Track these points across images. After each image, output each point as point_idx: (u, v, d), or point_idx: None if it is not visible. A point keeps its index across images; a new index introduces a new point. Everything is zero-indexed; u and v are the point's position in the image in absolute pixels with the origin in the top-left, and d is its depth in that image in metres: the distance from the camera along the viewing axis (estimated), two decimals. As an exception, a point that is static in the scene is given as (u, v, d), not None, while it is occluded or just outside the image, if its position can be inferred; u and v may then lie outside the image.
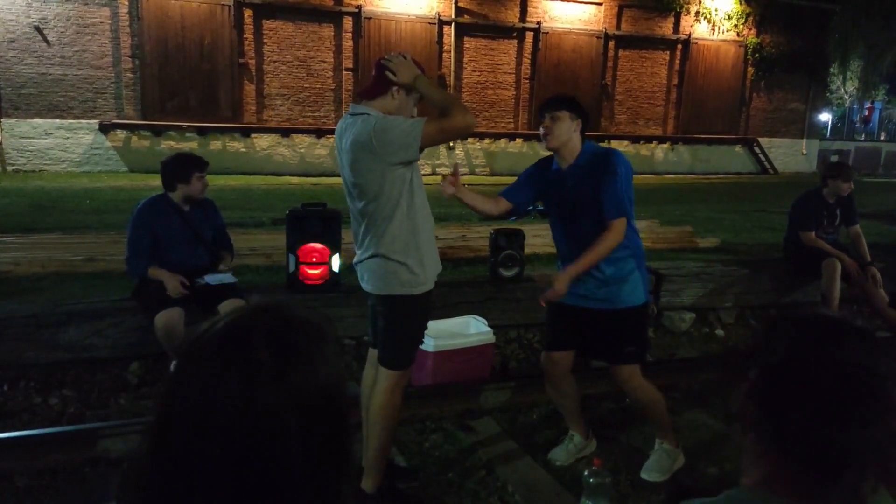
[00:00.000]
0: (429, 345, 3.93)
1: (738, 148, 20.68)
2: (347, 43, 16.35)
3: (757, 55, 20.24)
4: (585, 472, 2.61)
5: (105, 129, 14.50)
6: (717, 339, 5.41)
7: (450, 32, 17.15)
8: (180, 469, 0.69)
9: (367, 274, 2.82)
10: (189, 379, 0.71)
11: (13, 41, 13.86)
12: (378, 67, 2.73)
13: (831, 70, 24.58)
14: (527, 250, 5.23)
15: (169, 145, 14.39)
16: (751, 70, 20.40)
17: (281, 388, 0.70)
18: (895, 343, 4.95)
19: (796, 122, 21.43)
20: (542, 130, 3.04)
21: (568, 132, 3.00)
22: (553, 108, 3.02)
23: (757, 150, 20.82)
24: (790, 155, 21.43)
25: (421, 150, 2.63)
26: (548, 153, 3.16)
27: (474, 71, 17.74)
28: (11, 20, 13.80)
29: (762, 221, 9.08)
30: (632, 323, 3.11)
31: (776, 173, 20.60)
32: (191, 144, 14.50)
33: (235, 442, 0.68)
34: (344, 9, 16.22)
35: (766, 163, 20.88)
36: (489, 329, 4.22)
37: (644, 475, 3.17)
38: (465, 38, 17.48)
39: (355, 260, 2.90)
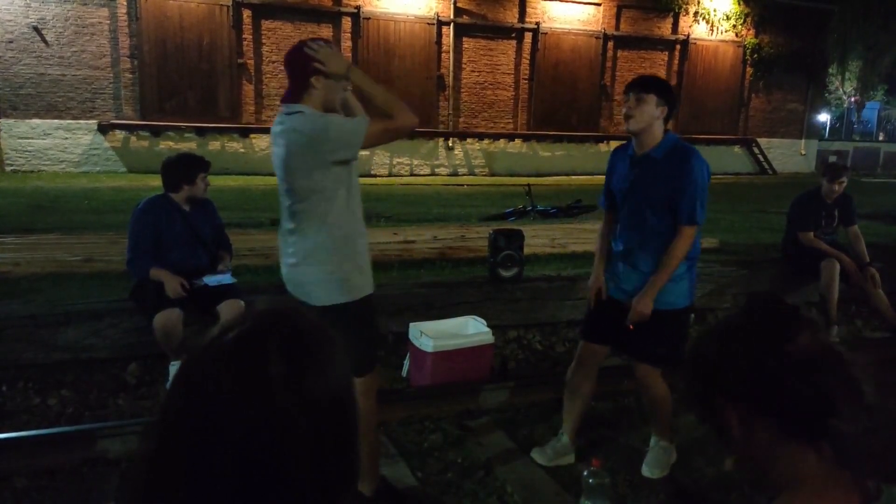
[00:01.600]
0: (428, 345, 3.93)
1: (736, 148, 20.69)
2: (346, 43, 16.34)
3: (755, 55, 20.26)
4: (585, 473, 2.61)
5: (104, 129, 14.49)
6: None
7: (449, 33, 17.14)
8: (185, 475, 0.68)
9: (303, 285, 2.65)
10: (200, 388, 0.70)
11: (11, 41, 13.84)
12: (288, 64, 2.56)
13: (830, 70, 24.61)
14: (526, 251, 5.23)
15: (168, 146, 14.38)
16: (749, 70, 20.42)
17: (294, 396, 0.70)
18: (895, 343, 4.95)
19: (795, 122, 21.45)
20: (624, 110, 2.89)
21: (651, 117, 2.84)
22: (640, 88, 2.85)
23: (755, 150, 20.84)
24: (789, 155, 21.45)
25: (362, 148, 2.55)
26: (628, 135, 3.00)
27: (473, 71, 17.73)
28: (10, 20, 13.79)
29: (761, 222, 9.08)
30: (670, 326, 3.01)
31: (775, 174, 20.62)
32: (189, 145, 14.49)
33: (245, 449, 0.68)
34: (343, 9, 16.22)
35: (764, 163, 20.89)
36: (488, 329, 4.21)
37: (646, 472, 3.17)
38: (464, 39, 17.48)
39: (284, 270, 2.72)
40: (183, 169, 3.96)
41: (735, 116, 20.57)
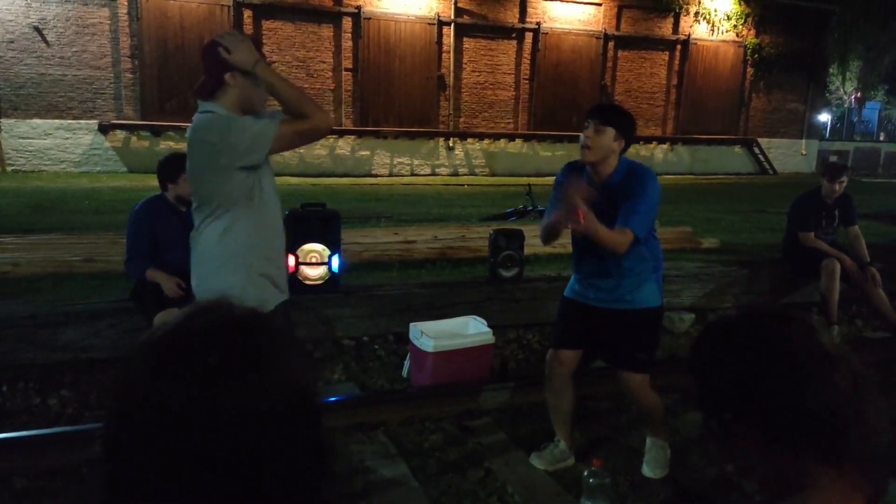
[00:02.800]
0: (428, 345, 3.92)
1: (737, 148, 20.69)
2: (347, 43, 16.35)
3: (756, 56, 20.27)
4: (585, 473, 2.60)
5: (104, 129, 14.50)
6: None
7: (449, 33, 17.15)
8: (135, 478, 0.67)
9: (197, 295, 2.52)
10: (137, 388, 0.68)
11: (12, 41, 13.85)
12: (204, 57, 2.42)
13: (830, 70, 24.61)
14: (526, 251, 5.22)
15: (168, 146, 14.38)
16: (750, 70, 20.43)
17: (238, 388, 0.68)
18: (895, 343, 4.95)
19: (795, 122, 21.45)
20: (582, 139, 2.90)
21: (608, 149, 2.87)
22: (600, 119, 2.86)
23: (756, 150, 20.83)
24: (789, 155, 21.45)
25: (271, 153, 2.38)
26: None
27: (474, 71, 17.73)
28: (10, 20, 13.80)
29: (761, 222, 9.08)
30: (644, 326, 3.04)
31: (775, 174, 20.61)
32: (190, 145, 14.48)
33: (193, 448, 0.66)
34: (343, 9, 16.22)
35: (765, 163, 20.89)
36: (489, 329, 4.21)
37: (647, 473, 3.17)
38: (465, 39, 17.48)
39: (194, 284, 2.54)
40: (167, 168, 3.94)
41: (735, 116, 20.57)
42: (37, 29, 13.98)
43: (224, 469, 0.66)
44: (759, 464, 1.00)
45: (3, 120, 13.87)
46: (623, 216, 2.85)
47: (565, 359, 3.20)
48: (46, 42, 14.06)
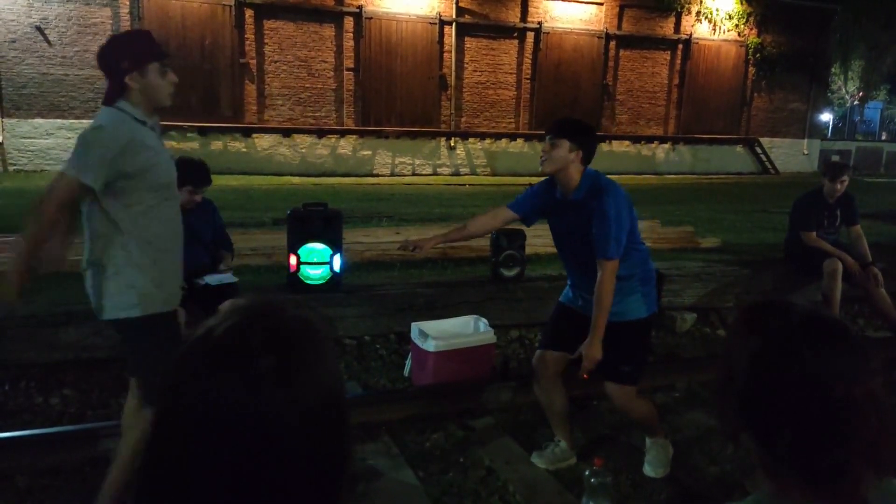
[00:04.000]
0: (430, 345, 3.93)
1: (739, 148, 20.68)
2: (348, 43, 16.36)
3: (758, 55, 20.26)
4: (587, 472, 2.60)
5: (106, 129, 14.51)
6: (719, 339, 5.40)
7: (451, 32, 17.15)
8: (178, 476, 0.68)
9: (90, 290, 2.46)
10: (189, 388, 0.70)
11: (14, 41, 13.88)
12: (100, 63, 2.41)
13: (833, 70, 24.58)
14: (528, 250, 5.22)
15: (170, 145, 14.31)
16: (752, 70, 20.42)
17: (285, 392, 0.69)
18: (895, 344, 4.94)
19: (797, 122, 21.44)
20: (542, 153, 2.98)
21: (564, 160, 2.92)
22: (554, 133, 2.94)
23: (758, 150, 20.83)
24: (791, 155, 21.44)
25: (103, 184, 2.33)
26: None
27: (475, 71, 17.74)
28: (13, 20, 13.82)
29: (763, 221, 9.08)
30: (629, 339, 3.02)
31: (777, 173, 20.60)
32: (192, 144, 14.51)
33: (238, 448, 0.68)
34: (345, 9, 16.23)
35: (767, 163, 20.88)
36: (490, 329, 4.21)
37: (649, 472, 3.17)
38: (466, 38, 17.49)
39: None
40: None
41: (737, 116, 20.57)
42: (39, 29, 14.00)
43: (267, 467, 0.68)
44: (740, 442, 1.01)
45: (5, 120, 13.89)
46: (597, 247, 2.89)
47: (550, 359, 3.22)
48: (48, 42, 14.09)
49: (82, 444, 3.17)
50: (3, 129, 13.91)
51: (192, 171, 3.95)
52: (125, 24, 14.54)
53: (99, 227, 2.42)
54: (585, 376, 2.96)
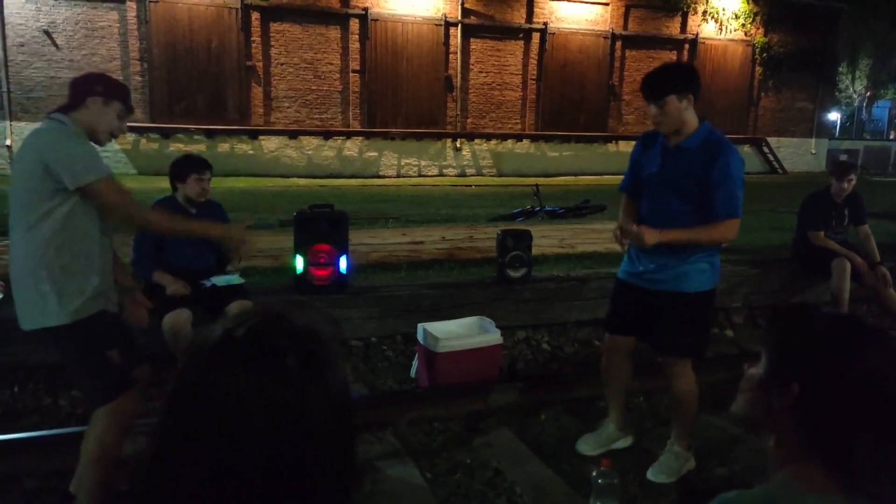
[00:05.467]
0: (436, 346, 3.92)
1: (746, 147, 20.61)
2: (354, 45, 16.39)
3: (765, 54, 20.19)
4: (594, 473, 2.59)
5: (114, 131, 14.58)
6: (727, 339, 5.38)
7: (456, 34, 17.16)
8: (200, 473, 0.69)
9: (34, 298, 2.42)
10: (214, 386, 0.71)
11: (23, 45, 13.96)
12: (72, 84, 2.52)
13: (840, 69, 24.47)
14: (534, 251, 5.21)
15: (177, 148, 14.46)
16: (759, 69, 20.35)
17: (313, 386, 0.73)
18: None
19: (805, 121, 21.35)
20: (652, 118, 2.85)
21: (678, 114, 2.81)
22: (656, 96, 2.79)
23: (765, 149, 20.75)
24: (799, 154, 21.35)
25: (83, 191, 2.36)
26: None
27: (481, 72, 17.74)
28: (21, 24, 13.91)
29: (771, 221, 9.03)
30: (691, 310, 2.95)
31: (785, 173, 20.52)
32: (199, 147, 14.56)
33: (269, 440, 0.70)
34: (351, 11, 16.26)
35: (774, 162, 20.80)
36: (497, 330, 4.20)
37: (651, 476, 3.14)
38: (472, 40, 17.49)
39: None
40: (177, 168, 3.97)
41: (744, 115, 20.49)
42: (46, 32, 14.08)
43: (295, 458, 0.71)
44: (779, 432, 1.05)
45: (13, 123, 13.97)
46: (722, 204, 2.81)
47: (620, 343, 3.24)
48: (56, 45, 14.17)
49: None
50: (11, 133, 13.98)
51: (187, 162, 4.02)
52: (132, 28, 14.61)
53: (51, 231, 2.41)
54: (622, 245, 2.95)
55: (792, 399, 1.01)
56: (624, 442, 3.38)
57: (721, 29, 19.89)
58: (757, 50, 20.19)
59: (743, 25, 20.02)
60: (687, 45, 19.54)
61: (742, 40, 20.14)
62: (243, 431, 0.69)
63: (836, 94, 28.18)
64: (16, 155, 2.48)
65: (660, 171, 2.96)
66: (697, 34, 19.55)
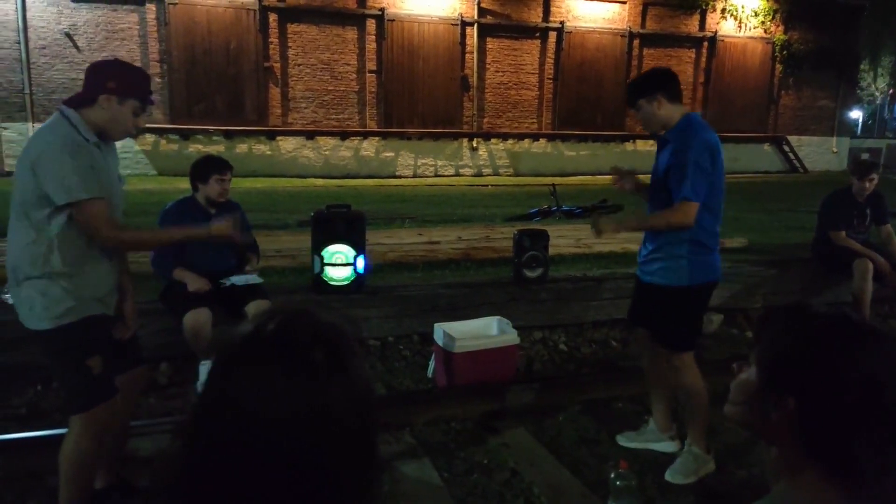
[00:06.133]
0: (453, 345, 3.93)
1: (766, 146, 20.39)
2: (371, 45, 16.43)
3: (785, 52, 19.95)
4: (612, 475, 2.59)
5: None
6: (746, 340, 5.33)
7: (472, 33, 17.14)
8: (227, 466, 0.71)
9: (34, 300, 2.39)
10: (246, 381, 0.73)
11: (45, 47, 14.16)
12: (87, 71, 2.45)
13: (862, 67, 24.12)
14: (551, 251, 5.20)
15: (196, 148, 14.59)
16: (779, 67, 20.12)
17: (339, 380, 0.74)
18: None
19: (826, 119, 21.07)
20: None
21: (653, 115, 3.01)
22: (631, 104, 3.05)
23: (786, 148, 20.52)
24: (820, 153, 21.08)
25: (70, 206, 2.30)
26: None
27: (497, 71, 17.71)
28: (43, 27, 14.11)
29: (791, 221, 8.94)
30: (668, 304, 3.05)
31: (806, 172, 20.28)
32: (217, 147, 14.68)
33: (294, 436, 0.71)
34: (367, 11, 16.30)
35: (795, 161, 20.56)
36: (513, 330, 4.20)
37: (668, 477, 3.13)
38: (488, 39, 17.47)
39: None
40: (199, 169, 4.01)
41: (764, 114, 20.27)
42: (68, 35, 14.27)
43: (312, 454, 0.72)
44: (778, 442, 1.03)
45: (35, 124, 14.16)
46: (674, 187, 2.91)
47: (641, 335, 3.34)
48: (77, 48, 14.34)
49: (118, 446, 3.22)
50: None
51: (209, 162, 4.05)
52: (152, 30, 14.76)
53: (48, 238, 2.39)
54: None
55: (788, 411, 0.98)
56: (666, 446, 3.34)
57: (740, 26, 19.70)
58: (777, 47, 19.97)
59: (762, 23, 19.81)
60: (706, 43, 19.37)
61: (762, 38, 19.92)
62: (271, 423, 0.70)
63: (858, 91, 27.79)
64: (20, 155, 2.43)
65: (653, 168, 3.15)
66: (716, 32, 19.37)
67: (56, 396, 3.82)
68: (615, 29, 18.41)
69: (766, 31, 19.90)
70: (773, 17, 19.83)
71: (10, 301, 2.52)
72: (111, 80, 2.40)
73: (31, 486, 2.98)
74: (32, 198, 2.34)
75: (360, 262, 4.62)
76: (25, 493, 2.96)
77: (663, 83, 3.01)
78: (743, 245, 6.88)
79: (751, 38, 19.80)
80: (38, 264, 2.38)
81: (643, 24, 18.66)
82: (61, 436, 3.22)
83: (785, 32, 19.99)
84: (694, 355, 3.15)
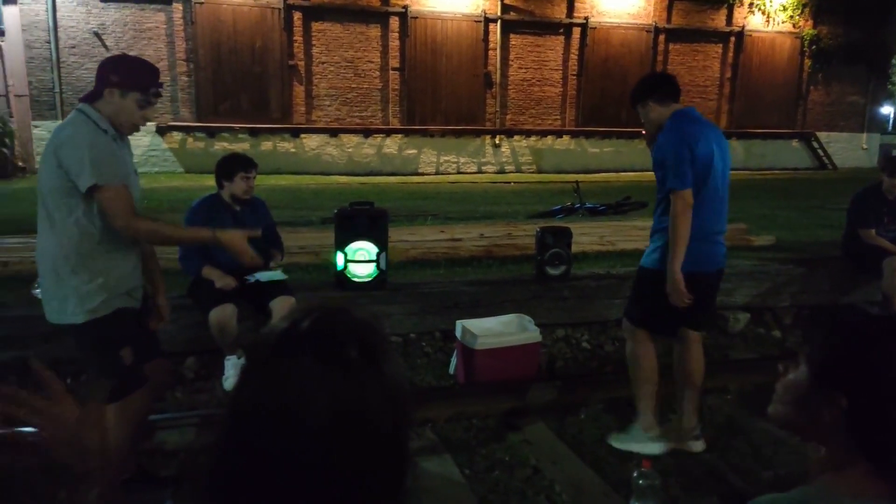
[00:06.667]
0: (474, 343, 3.93)
1: (794, 142, 20.06)
2: (394, 43, 16.46)
3: (814, 47, 19.60)
4: (635, 474, 2.57)
5: (162, 131, 14.94)
6: (774, 340, 5.26)
7: (496, 30, 17.09)
8: (260, 462, 0.71)
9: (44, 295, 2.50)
10: (281, 376, 0.74)
11: (74, 47, 14.39)
12: (99, 66, 2.53)
13: (893, 61, 23.58)
14: (574, 248, 5.18)
15: (222, 146, 14.74)
16: (808, 62, 19.77)
17: (367, 382, 0.75)
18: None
19: (856, 115, 20.67)
20: None
21: (648, 119, 3.20)
22: (633, 107, 3.22)
23: (815, 144, 20.17)
24: (850, 149, 20.69)
25: (90, 191, 2.37)
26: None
27: (521, 68, 17.64)
28: (72, 27, 14.35)
29: (819, 218, 8.80)
30: (641, 282, 3.31)
31: (835, 168, 19.91)
32: (243, 145, 14.82)
33: (330, 430, 0.72)
34: (391, 9, 16.33)
35: (824, 158, 20.20)
36: (536, 328, 4.19)
37: (610, 439, 3.39)
38: (512, 35, 17.40)
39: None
40: (224, 166, 4.05)
41: (793, 110, 19.94)
42: (97, 34, 14.49)
43: (345, 449, 0.73)
44: (827, 441, 1.05)
45: (66, 123, 14.42)
46: (660, 185, 3.12)
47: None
48: (106, 47, 14.56)
49: (139, 437, 3.27)
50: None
51: (234, 160, 4.09)
52: (178, 29, 14.94)
53: (74, 228, 2.45)
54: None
55: (839, 410, 1.00)
56: (691, 446, 3.33)
57: (768, 21, 19.38)
58: (805, 42, 19.62)
59: (791, 17, 19.48)
60: (733, 38, 19.10)
61: (790, 32, 19.59)
62: (305, 417, 0.71)
63: (889, 87, 27.20)
64: (42, 152, 2.50)
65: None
66: (744, 27, 19.09)
67: (85, 390, 3.89)
68: (640, 24, 18.23)
69: (794, 26, 19.56)
70: (802, 12, 19.48)
71: (40, 296, 2.59)
72: (113, 73, 2.49)
73: (60, 474, 3.04)
74: (59, 190, 2.40)
75: (383, 259, 4.64)
76: (54, 482, 3.02)
77: (653, 89, 3.18)
78: (771, 242, 6.79)
79: (779, 32, 19.48)
80: (70, 259, 2.44)
81: (669, 19, 18.46)
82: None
83: (814, 27, 19.63)
84: (650, 335, 3.32)
